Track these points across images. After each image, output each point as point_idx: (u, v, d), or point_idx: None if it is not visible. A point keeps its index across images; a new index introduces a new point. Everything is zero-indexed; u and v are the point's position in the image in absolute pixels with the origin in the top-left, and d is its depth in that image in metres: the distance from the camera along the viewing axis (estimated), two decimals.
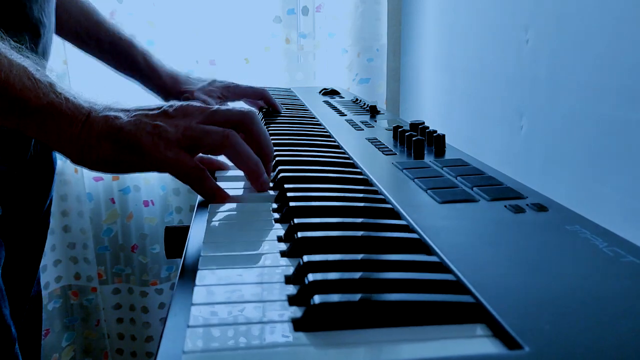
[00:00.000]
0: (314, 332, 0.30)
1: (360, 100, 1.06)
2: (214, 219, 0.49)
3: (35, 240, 0.81)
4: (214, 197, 0.53)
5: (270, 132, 0.78)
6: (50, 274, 1.51)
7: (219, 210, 0.51)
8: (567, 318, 0.29)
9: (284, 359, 0.28)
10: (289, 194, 0.50)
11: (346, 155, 0.66)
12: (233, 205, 0.53)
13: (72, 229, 1.52)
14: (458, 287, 0.33)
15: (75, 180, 1.48)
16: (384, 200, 0.50)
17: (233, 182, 0.59)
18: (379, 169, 0.60)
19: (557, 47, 0.89)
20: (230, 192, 0.55)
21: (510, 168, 1.00)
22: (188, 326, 0.30)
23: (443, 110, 1.39)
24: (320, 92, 1.22)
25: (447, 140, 0.69)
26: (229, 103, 0.95)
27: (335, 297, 0.31)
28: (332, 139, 0.75)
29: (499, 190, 0.50)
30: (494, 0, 1.10)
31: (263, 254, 0.41)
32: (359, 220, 0.44)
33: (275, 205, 0.52)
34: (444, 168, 0.58)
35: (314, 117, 0.92)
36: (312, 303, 0.31)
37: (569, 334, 0.28)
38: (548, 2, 0.91)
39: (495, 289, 0.32)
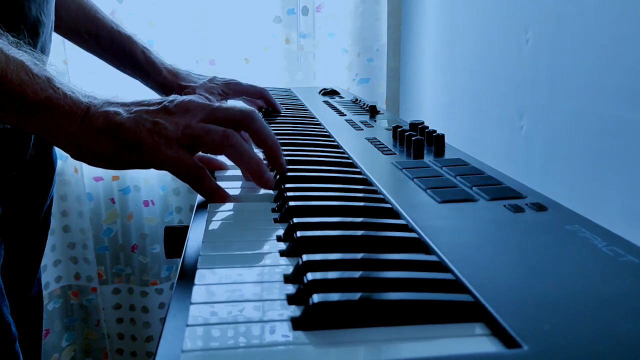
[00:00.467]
0: (313, 331, 0.30)
1: (360, 100, 1.06)
2: (213, 219, 0.49)
3: (36, 240, 0.81)
4: (213, 196, 0.53)
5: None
6: (50, 274, 1.51)
7: (219, 210, 0.51)
8: (566, 317, 0.29)
9: (283, 358, 0.28)
10: (288, 194, 0.50)
11: (346, 155, 0.66)
12: (232, 205, 0.53)
13: (72, 229, 1.52)
14: (457, 286, 0.33)
15: (75, 180, 1.48)
16: (384, 200, 0.50)
17: (232, 182, 0.59)
18: (379, 168, 0.60)
19: (557, 47, 0.89)
20: (230, 192, 0.55)
21: (510, 168, 1.00)
22: (187, 325, 0.30)
23: (443, 110, 1.39)
24: (320, 92, 1.22)
25: (446, 140, 0.69)
26: (229, 101, 0.95)
27: (334, 296, 0.31)
28: (332, 139, 0.75)
29: (498, 190, 0.50)
30: (494, 0, 1.10)
31: (262, 253, 0.41)
32: (359, 219, 0.44)
33: (274, 205, 0.52)
34: (444, 168, 0.58)
35: (313, 117, 0.92)
36: (311, 302, 0.31)
37: (568, 333, 0.28)
38: (548, 2, 0.91)
39: (494, 288, 0.32)
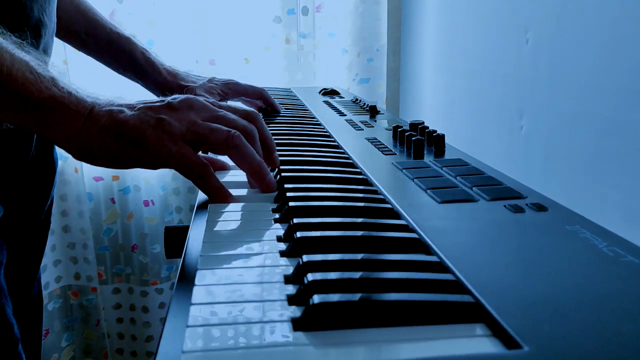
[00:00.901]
0: (313, 332, 0.30)
1: (360, 100, 1.06)
2: (213, 219, 0.49)
3: (36, 241, 0.81)
4: (216, 195, 0.53)
5: (270, 131, 0.78)
6: (50, 274, 1.51)
7: (219, 210, 0.51)
8: (567, 318, 0.29)
9: (283, 359, 0.28)
10: (288, 194, 0.50)
11: (346, 155, 0.66)
12: (233, 205, 0.53)
13: (72, 229, 1.52)
14: (457, 286, 0.33)
15: (75, 180, 1.48)
16: (384, 200, 0.50)
17: (233, 183, 0.59)
18: (379, 168, 0.60)
19: (557, 47, 0.89)
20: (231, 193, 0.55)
21: (510, 168, 1.00)
22: (187, 326, 0.30)
23: (443, 110, 1.39)
24: (320, 92, 1.22)
25: (447, 140, 0.69)
26: (228, 101, 0.95)
27: (334, 297, 0.31)
28: (332, 139, 0.75)
29: (498, 190, 0.50)
30: (494, 1, 1.10)
31: (263, 253, 0.41)
32: (359, 220, 0.44)
33: (275, 205, 0.52)
34: (444, 168, 0.58)
35: (313, 117, 0.92)
36: (311, 303, 0.31)
37: (569, 333, 0.28)
38: (548, 2, 0.91)
39: (494, 289, 0.32)
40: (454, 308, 0.31)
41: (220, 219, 0.49)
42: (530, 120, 0.97)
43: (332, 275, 0.34)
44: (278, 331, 0.30)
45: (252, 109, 0.58)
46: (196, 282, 0.36)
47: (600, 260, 0.36)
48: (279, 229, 0.46)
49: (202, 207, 0.53)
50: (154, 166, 0.53)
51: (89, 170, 1.50)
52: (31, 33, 0.64)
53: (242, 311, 0.32)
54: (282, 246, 0.42)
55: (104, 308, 1.60)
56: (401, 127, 0.73)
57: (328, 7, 1.58)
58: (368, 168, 0.59)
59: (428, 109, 1.47)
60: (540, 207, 0.46)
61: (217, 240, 0.44)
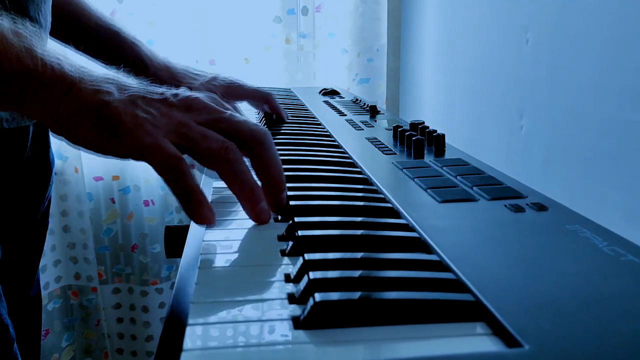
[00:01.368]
0: (314, 330, 0.30)
1: (360, 100, 1.06)
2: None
3: (33, 242, 0.80)
4: (190, 198, 0.44)
5: (270, 131, 0.78)
6: (50, 274, 1.51)
7: (219, 209, 0.51)
8: (567, 317, 0.29)
9: (283, 357, 0.28)
10: (288, 193, 0.50)
11: (346, 155, 0.66)
12: (233, 205, 0.52)
13: (72, 229, 1.52)
14: (458, 285, 0.33)
15: (75, 180, 1.48)
16: (384, 200, 0.50)
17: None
18: (379, 168, 0.60)
19: (557, 47, 0.89)
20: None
21: (510, 168, 1.00)
22: (187, 325, 0.30)
23: (443, 110, 1.39)
24: (320, 92, 1.22)
25: (447, 140, 0.69)
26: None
27: (335, 295, 0.31)
28: (332, 139, 0.75)
29: (498, 190, 0.50)
30: (494, 1, 1.10)
31: (263, 252, 0.41)
32: (359, 219, 0.44)
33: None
34: (444, 167, 0.58)
35: (314, 117, 0.92)
36: (312, 301, 0.31)
37: (569, 332, 0.28)
38: (548, 2, 0.91)
39: (495, 288, 0.32)
40: (454, 307, 0.31)
41: (220, 219, 0.49)
42: (530, 120, 0.97)
43: (333, 274, 0.34)
44: (278, 330, 0.30)
45: (265, 129, 0.50)
46: (196, 281, 0.36)
47: (600, 259, 0.36)
48: (279, 228, 0.46)
49: None
50: (128, 156, 0.47)
51: (89, 170, 1.50)
52: None
53: (243, 310, 0.32)
54: (283, 245, 0.42)
55: (104, 308, 1.60)
56: (401, 127, 0.73)
57: (328, 7, 1.58)
58: (368, 168, 0.60)
59: (428, 109, 1.47)
60: (540, 207, 0.46)
61: (217, 239, 0.44)
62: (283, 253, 0.40)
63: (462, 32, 1.27)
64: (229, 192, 0.47)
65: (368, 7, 1.59)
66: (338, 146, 0.71)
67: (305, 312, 0.31)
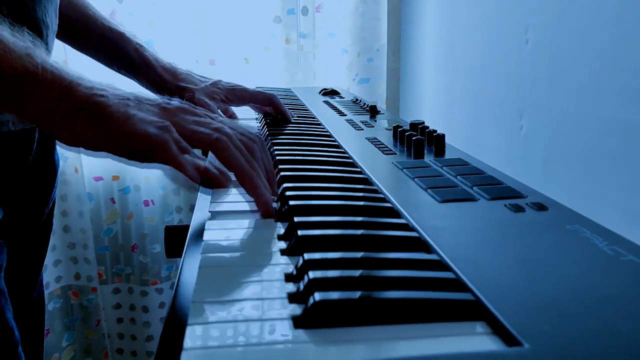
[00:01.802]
0: (314, 330, 0.30)
1: (360, 100, 1.06)
2: (213, 219, 0.49)
3: (38, 243, 0.81)
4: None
5: (270, 131, 0.78)
6: (50, 274, 1.51)
7: (219, 209, 0.51)
8: (567, 316, 0.29)
9: (283, 356, 0.28)
10: (288, 193, 0.50)
11: (346, 155, 0.66)
12: (233, 204, 0.52)
13: (72, 229, 1.52)
14: (457, 285, 0.33)
15: (76, 180, 1.48)
16: (384, 199, 0.50)
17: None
18: (379, 168, 0.60)
19: (557, 47, 0.89)
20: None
21: (510, 168, 1.00)
22: (187, 324, 0.30)
23: (443, 110, 1.39)
24: (320, 92, 1.22)
25: (447, 140, 0.69)
26: (232, 108, 0.91)
27: (335, 295, 0.31)
28: (332, 139, 0.75)
29: (498, 190, 0.50)
30: (494, 0, 1.10)
31: (263, 251, 0.41)
32: (359, 218, 0.44)
33: (275, 204, 0.52)
34: (444, 167, 0.58)
35: (314, 117, 0.92)
36: (312, 300, 0.31)
37: (569, 331, 0.28)
38: (548, 2, 0.91)
39: (494, 287, 0.32)
40: (454, 306, 0.31)
41: (220, 219, 0.49)
42: (530, 120, 0.97)
43: (333, 273, 0.34)
44: (278, 329, 0.30)
45: (257, 134, 0.53)
46: (196, 281, 0.36)
47: (600, 259, 0.36)
48: (279, 228, 0.46)
49: (202, 206, 0.53)
50: (120, 148, 0.48)
51: (89, 170, 1.50)
52: (33, 34, 0.63)
53: (243, 309, 0.32)
54: (283, 244, 0.42)
55: (104, 308, 1.60)
56: (401, 127, 0.73)
57: (328, 7, 1.58)
58: (368, 167, 0.60)
59: (428, 109, 1.47)
60: (540, 207, 0.46)
61: (218, 239, 0.44)
62: (283, 252, 0.40)
63: (462, 32, 1.27)
64: (228, 199, 0.49)
65: (368, 7, 1.59)
66: (338, 146, 0.71)
67: (305, 311, 0.31)
